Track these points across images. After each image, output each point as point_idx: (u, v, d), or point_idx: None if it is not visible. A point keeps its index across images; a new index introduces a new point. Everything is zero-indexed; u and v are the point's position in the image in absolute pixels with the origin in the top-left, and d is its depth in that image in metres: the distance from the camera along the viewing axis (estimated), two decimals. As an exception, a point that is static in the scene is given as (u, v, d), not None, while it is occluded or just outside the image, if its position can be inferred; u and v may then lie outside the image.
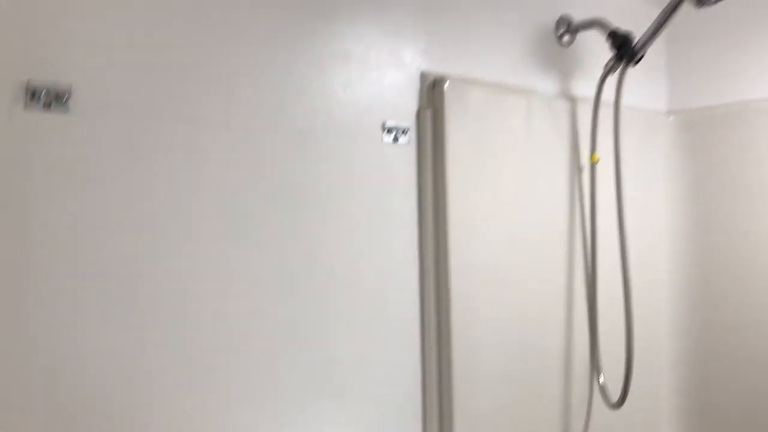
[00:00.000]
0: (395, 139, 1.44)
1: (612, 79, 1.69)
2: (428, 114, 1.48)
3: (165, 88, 1.16)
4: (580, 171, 1.75)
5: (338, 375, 1.36)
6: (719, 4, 1.46)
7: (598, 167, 1.73)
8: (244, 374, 1.24)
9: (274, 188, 1.28)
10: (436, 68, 1.51)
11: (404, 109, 1.46)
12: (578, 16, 1.76)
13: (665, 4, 1.50)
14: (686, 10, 1.46)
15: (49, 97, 1.03)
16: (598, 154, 1.73)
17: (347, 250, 1.37)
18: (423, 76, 1.49)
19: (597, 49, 1.75)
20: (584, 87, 1.78)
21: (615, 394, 1.69)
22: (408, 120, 1.47)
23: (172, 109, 1.16)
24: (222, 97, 1.22)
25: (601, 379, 1.74)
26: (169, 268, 1.15)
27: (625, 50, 1.59)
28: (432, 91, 1.49)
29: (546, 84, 1.73)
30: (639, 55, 1.60)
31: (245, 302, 1.24)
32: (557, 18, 1.74)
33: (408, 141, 1.47)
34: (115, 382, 1.10)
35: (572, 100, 1.75)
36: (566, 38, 1.76)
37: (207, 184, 1.20)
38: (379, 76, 1.42)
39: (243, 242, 1.24)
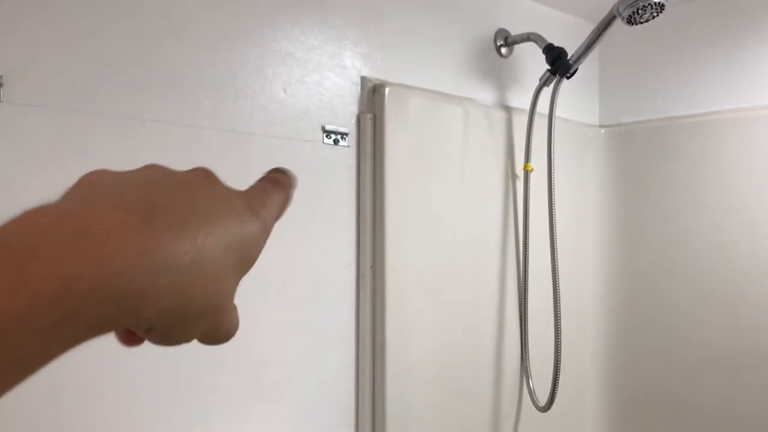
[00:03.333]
0: (335, 142, 1.45)
1: (547, 92, 1.74)
2: (368, 119, 1.50)
3: (102, 82, 1.13)
4: (514, 179, 1.80)
5: (271, 377, 1.35)
6: (649, 24, 1.52)
7: (532, 176, 1.78)
8: (173, 376, 1.22)
9: (211, 187, 1.26)
10: (377, 74, 1.53)
11: (344, 113, 1.47)
12: (517, 29, 1.81)
13: (599, 21, 1.56)
14: (618, 28, 1.52)
15: (-24, 87, 1.00)
16: (532, 163, 1.78)
17: (282, 252, 1.37)
18: (364, 81, 1.50)
19: (534, 62, 1.81)
20: (521, 98, 1.83)
21: (543, 398, 1.74)
22: (348, 124, 1.48)
23: (108, 104, 1.14)
24: (160, 94, 1.20)
25: (531, 384, 1.78)
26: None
27: (560, 64, 1.64)
28: (372, 97, 1.51)
29: (484, 94, 1.77)
30: (572, 69, 1.65)
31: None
32: (496, 30, 1.79)
33: (348, 144, 1.48)
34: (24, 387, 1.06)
35: (509, 110, 1.80)
36: (504, 50, 1.80)
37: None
38: (320, 79, 1.43)
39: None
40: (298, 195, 1.38)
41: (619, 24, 1.50)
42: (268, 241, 1.31)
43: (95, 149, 1.13)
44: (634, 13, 1.45)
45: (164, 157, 1.21)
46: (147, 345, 1.11)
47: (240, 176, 1.34)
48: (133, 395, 1.16)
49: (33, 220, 0.27)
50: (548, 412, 1.74)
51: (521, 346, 1.79)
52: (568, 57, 1.65)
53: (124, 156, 1.16)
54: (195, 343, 1.18)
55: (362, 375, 1.49)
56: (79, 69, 1.11)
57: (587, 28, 1.68)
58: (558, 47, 1.66)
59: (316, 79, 1.42)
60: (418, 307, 1.56)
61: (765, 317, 1.73)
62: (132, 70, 1.17)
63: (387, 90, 1.50)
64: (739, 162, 1.80)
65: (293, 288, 1.39)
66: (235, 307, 0.35)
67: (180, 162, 1.21)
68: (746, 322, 1.77)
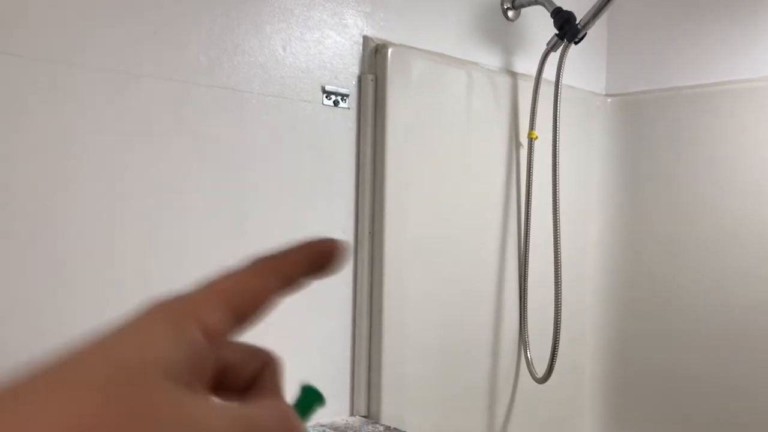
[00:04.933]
0: (335, 104, 1.41)
1: (554, 58, 1.69)
2: (370, 80, 1.45)
3: (94, 34, 1.09)
4: (518, 147, 1.76)
5: (265, 343, 1.32)
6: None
7: (536, 144, 1.74)
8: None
9: (203, 146, 1.23)
10: (379, 34, 1.48)
11: (345, 73, 1.43)
12: (524, -9, 1.75)
13: (609, -15, 1.51)
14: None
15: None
16: (537, 131, 1.74)
17: (279, 215, 1.33)
18: (366, 41, 1.46)
19: (542, 27, 1.75)
20: (527, 63, 1.78)
21: (541, 369, 1.72)
22: (349, 85, 1.43)
23: (100, 56, 1.10)
24: (155, 48, 1.16)
25: (529, 355, 1.76)
26: (90, 225, 1.10)
27: (568, 28, 1.59)
28: (374, 58, 1.46)
29: (489, 58, 1.72)
30: (581, 34, 1.60)
31: (167, 266, 1.19)
32: (503, -8, 1.74)
33: (349, 106, 1.43)
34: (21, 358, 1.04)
35: (514, 76, 1.75)
36: (512, 13, 1.75)
37: (127, 138, 1.14)
38: (321, 37, 1.38)
39: (167, 199, 1.18)
40: (296, 157, 1.33)
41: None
42: (264, 205, 1.28)
43: (86, 104, 1.09)
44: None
45: (158, 114, 1.17)
46: (131, 305, 1.06)
47: (235, 136, 1.30)
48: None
49: None
50: (546, 383, 1.72)
51: (520, 316, 1.77)
52: (577, 22, 1.60)
53: (116, 111, 1.12)
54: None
55: (358, 343, 1.46)
56: (70, 20, 1.07)
57: (597, -8, 1.62)
58: (566, 11, 1.61)
59: (317, 37, 1.38)
60: (416, 275, 1.53)
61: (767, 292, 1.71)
62: (126, 21, 1.13)
63: (390, 51, 1.45)
64: (748, 134, 1.76)
65: (290, 252, 1.35)
66: None
67: (173, 120, 1.17)
68: (748, 299, 1.74)
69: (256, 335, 1.20)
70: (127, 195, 1.13)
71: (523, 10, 1.76)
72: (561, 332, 1.68)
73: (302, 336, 1.38)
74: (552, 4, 1.64)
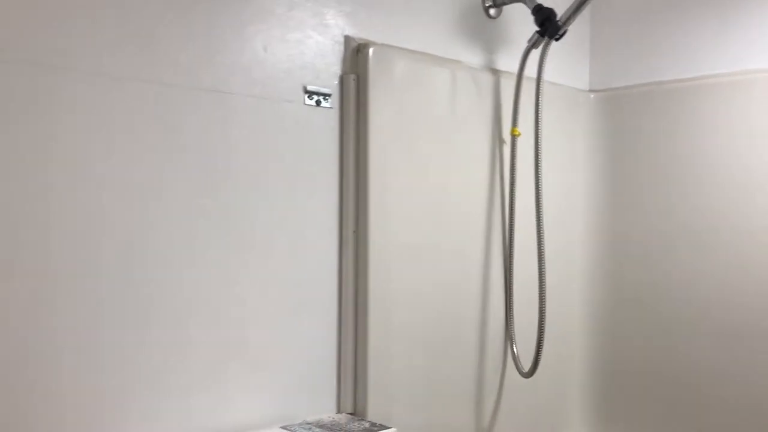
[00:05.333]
0: (317, 104, 1.42)
1: (536, 55, 1.70)
2: (352, 80, 1.46)
3: (71, 36, 1.09)
4: (501, 144, 1.77)
5: (251, 340, 1.33)
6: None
7: (519, 141, 1.76)
8: (153, 341, 1.20)
9: (185, 147, 1.23)
10: (361, 33, 1.49)
11: (327, 73, 1.44)
12: (506, -11, 1.76)
13: (589, -18, 1.53)
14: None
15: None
16: (520, 128, 1.75)
17: (263, 214, 1.34)
18: (347, 41, 1.46)
19: (523, 23, 1.76)
20: (509, 61, 1.79)
21: (527, 364, 1.73)
22: (331, 85, 1.44)
23: (78, 58, 1.10)
24: (134, 50, 1.16)
25: (515, 349, 1.78)
26: (74, 229, 1.10)
27: (549, 25, 1.60)
28: (356, 57, 1.47)
29: (471, 56, 1.73)
30: (561, 31, 1.62)
31: (152, 267, 1.19)
32: (485, -11, 1.75)
33: (331, 106, 1.44)
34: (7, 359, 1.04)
35: (496, 73, 1.76)
36: (493, 11, 1.76)
37: (109, 140, 1.14)
38: (302, 38, 1.39)
39: (149, 204, 1.19)
40: (279, 157, 1.34)
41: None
42: (248, 204, 1.27)
43: (64, 107, 1.09)
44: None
45: (139, 116, 1.17)
46: (116, 305, 1.07)
47: (217, 137, 1.31)
48: (103, 358, 1.14)
49: None
50: (533, 378, 1.74)
51: (506, 311, 1.79)
52: (558, 18, 1.61)
53: (95, 115, 1.12)
54: (168, 302, 1.15)
55: (344, 339, 1.48)
56: (49, 23, 1.07)
57: (578, -11, 1.63)
58: (547, 8, 1.62)
59: (298, 37, 1.38)
60: (401, 272, 1.54)
61: (754, 285, 1.73)
62: (105, 24, 1.13)
63: (371, 50, 1.46)
64: (730, 127, 1.77)
65: (275, 251, 1.37)
66: None
67: (155, 122, 1.17)
68: (733, 292, 1.76)
69: (242, 336, 1.22)
70: (110, 198, 1.14)
71: (505, 8, 1.77)
72: (546, 327, 1.69)
73: (288, 335, 1.39)
74: (533, 1, 1.65)
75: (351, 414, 1.47)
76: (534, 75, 1.70)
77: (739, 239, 1.75)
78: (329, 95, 1.43)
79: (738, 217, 1.75)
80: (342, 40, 1.46)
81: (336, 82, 1.45)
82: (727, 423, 1.77)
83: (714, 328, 1.79)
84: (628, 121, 1.97)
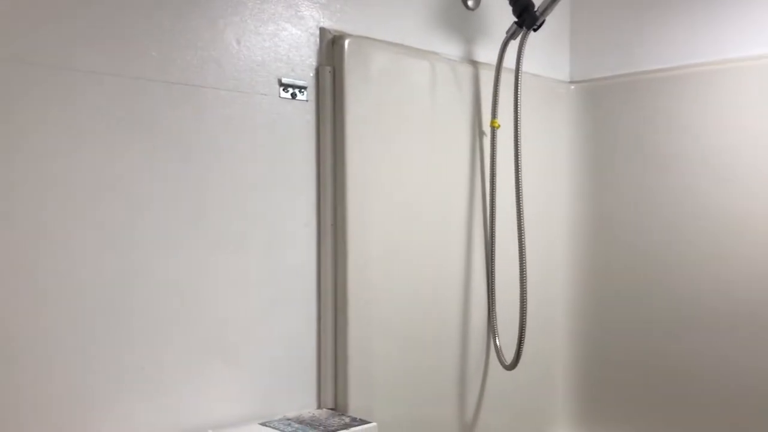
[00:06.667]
0: (293, 96, 1.40)
1: (515, 46, 1.69)
2: (327, 72, 1.45)
3: (39, 29, 1.07)
4: (481, 136, 1.76)
5: (229, 336, 1.32)
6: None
7: (500, 133, 1.75)
8: (128, 339, 1.18)
9: (157, 142, 1.22)
10: (336, 25, 1.47)
11: (302, 65, 1.42)
12: (484, -20, 1.76)
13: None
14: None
15: None
16: (501, 121, 1.74)
17: (238, 209, 1.33)
18: (322, 33, 1.45)
19: (502, 14, 1.75)
20: (489, 52, 1.78)
21: (510, 357, 1.73)
22: (306, 77, 1.43)
23: (46, 53, 1.08)
24: (104, 43, 1.15)
25: (498, 342, 1.77)
26: (43, 227, 1.09)
27: (526, 16, 1.60)
28: (332, 49, 1.46)
29: (450, 48, 1.72)
30: (539, 21, 1.61)
31: (126, 263, 1.18)
32: (463, -19, 1.74)
33: (307, 98, 1.43)
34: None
35: (476, 65, 1.75)
36: (471, 2, 1.75)
37: (78, 136, 1.12)
38: (276, 30, 1.37)
39: (123, 197, 1.17)
40: (254, 150, 1.32)
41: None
42: (223, 199, 1.26)
43: (31, 103, 1.07)
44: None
45: (110, 111, 1.15)
46: (90, 304, 1.06)
47: (191, 131, 1.29)
48: (78, 356, 1.13)
49: None
50: (516, 370, 1.73)
51: (488, 304, 1.78)
52: (535, 9, 1.61)
53: (65, 110, 1.10)
54: (143, 299, 1.13)
55: (324, 335, 1.46)
56: (16, 16, 1.05)
57: (555, -21, 1.63)
58: (525, -2, 1.61)
59: (272, 29, 1.37)
60: (381, 265, 1.53)
61: (735, 274, 1.73)
62: (74, 17, 1.11)
63: (347, 42, 1.45)
64: (711, 116, 1.77)
65: (251, 245, 1.35)
66: None
67: (126, 117, 1.15)
68: (716, 280, 1.76)
69: (219, 332, 1.20)
70: (81, 194, 1.12)
71: (483, -1, 1.77)
72: (529, 319, 1.69)
73: (266, 330, 1.38)
74: (510, -9, 1.64)
75: (332, 409, 1.46)
76: (513, 66, 1.69)
77: (721, 228, 1.75)
78: (305, 88, 1.42)
79: (720, 205, 1.75)
80: (317, 32, 1.44)
81: (312, 74, 1.44)
82: (712, 415, 1.77)
83: (698, 318, 1.79)
84: (609, 111, 1.97)
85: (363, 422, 1.37)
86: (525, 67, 1.71)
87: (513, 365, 1.71)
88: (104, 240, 1.15)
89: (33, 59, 1.07)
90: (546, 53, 1.99)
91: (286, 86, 1.39)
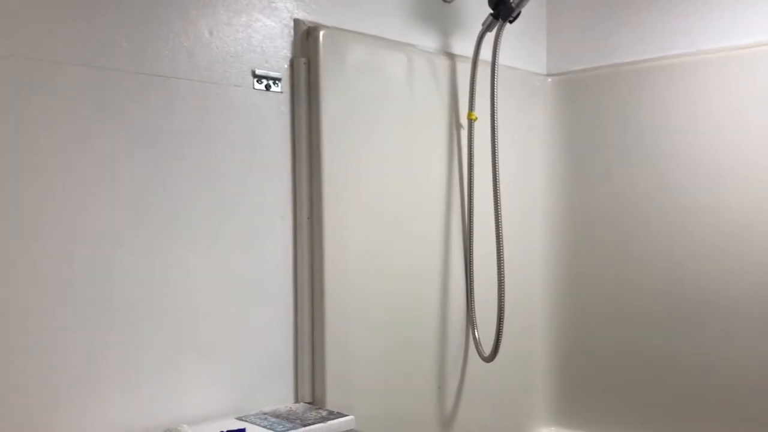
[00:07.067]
0: (267, 88, 1.39)
1: (491, 38, 1.69)
2: (302, 63, 1.43)
3: (5, 16, 1.05)
4: (459, 129, 1.76)
5: (204, 330, 1.31)
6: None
7: (477, 126, 1.75)
8: (101, 334, 1.17)
9: (129, 133, 1.20)
10: (310, 17, 1.46)
11: (276, 57, 1.41)
12: (460, -28, 1.75)
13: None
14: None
15: None
16: (478, 113, 1.74)
17: (212, 202, 1.31)
18: (297, 24, 1.44)
19: (479, 6, 1.75)
20: (465, 44, 1.78)
21: (489, 348, 1.73)
22: (281, 69, 1.42)
23: (13, 43, 1.06)
24: (73, 33, 1.13)
25: (476, 334, 1.77)
26: (11, 220, 1.07)
27: (502, 8, 1.60)
28: (306, 41, 1.45)
29: (427, 40, 1.72)
30: (515, 13, 1.61)
31: (97, 257, 1.16)
32: (439, -27, 1.73)
33: (281, 90, 1.42)
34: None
35: (452, 57, 1.75)
36: (448, -6, 1.75)
37: (47, 127, 1.11)
38: (249, 21, 1.36)
39: (93, 188, 1.16)
40: (228, 142, 1.31)
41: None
42: (197, 191, 1.24)
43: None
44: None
45: (79, 102, 1.14)
46: (60, 299, 1.03)
47: (163, 122, 1.28)
48: (56, 349, 1.11)
49: None
50: (495, 362, 1.74)
51: (467, 296, 1.78)
52: (511, 0, 1.61)
53: (32, 100, 1.08)
54: (115, 294, 1.11)
55: (301, 329, 1.45)
56: (-22, 5, 1.03)
57: (530, -29, 1.63)
58: (501, -10, 1.61)
59: (245, 20, 1.35)
60: (359, 259, 1.52)
61: (712, 266, 1.74)
62: (41, 6, 1.09)
63: (322, 34, 1.44)
64: (686, 107, 1.78)
65: (226, 239, 1.34)
66: None
67: (96, 108, 1.13)
68: (693, 272, 1.77)
69: (193, 327, 1.18)
70: (50, 188, 1.10)
71: (460, -9, 1.76)
72: (507, 311, 1.69)
73: (242, 324, 1.36)
74: (486, -17, 1.64)
75: (309, 403, 1.46)
76: (490, 58, 1.69)
77: (697, 220, 1.76)
78: (279, 80, 1.41)
79: (695, 197, 1.76)
80: (291, 23, 1.43)
81: (286, 66, 1.43)
82: (690, 405, 1.78)
83: (675, 310, 1.80)
84: (586, 104, 1.97)
85: (340, 415, 1.36)
86: (502, 59, 1.71)
87: (491, 357, 1.71)
88: (75, 231, 1.13)
89: (0, 50, 1.05)
90: (523, 46, 1.99)
91: (260, 78, 1.38)
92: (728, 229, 1.71)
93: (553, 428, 2.04)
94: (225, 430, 1.22)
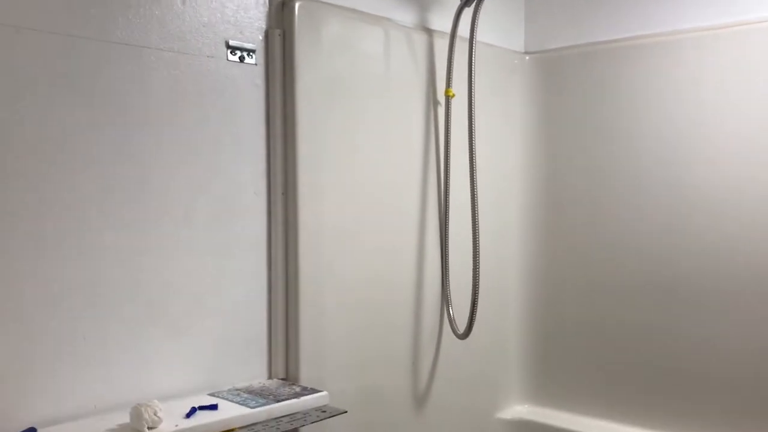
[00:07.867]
0: (241, 59, 1.36)
1: (469, 14, 1.67)
2: (277, 35, 1.41)
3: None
4: (436, 106, 1.75)
5: (176, 306, 1.29)
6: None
7: (455, 102, 1.73)
8: (69, 310, 1.14)
9: (96, 104, 1.17)
10: (286, -13, 1.43)
11: (251, 28, 1.38)
12: (438, -54, 1.73)
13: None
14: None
15: None
16: (455, 89, 1.73)
17: (185, 175, 1.29)
18: (271, -5, 1.41)
19: (456, -18, 1.73)
20: (443, 20, 1.76)
21: (463, 325, 1.73)
22: (255, 40, 1.39)
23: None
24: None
25: (451, 311, 1.77)
26: (-29, 186, 1.03)
27: (480, -18, 1.58)
28: (281, 12, 1.42)
29: (404, 14, 1.69)
30: (494, -12, 1.59)
31: (64, 230, 1.13)
32: (417, -54, 1.70)
33: (256, 62, 1.39)
34: None
35: (430, 33, 1.73)
36: (426, -32, 1.72)
37: (14, 95, 1.07)
38: (222, -10, 1.33)
39: (61, 162, 1.13)
40: (200, 113, 1.28)
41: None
42: (169, 165, 1.22)
43: (-40, 57, 1.01)
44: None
45: (42, 70, 1.10)
46: (27, 273, 1.01)
47: (133, 92, 1.24)
48: (21, 324, 1.08)
49: None
50: (469, 339, 1.74)
51: (442, 273, 1.78)
52: (490, -25, 1.59)
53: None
54: (83, 269, 1.08)
55: (274, 305, 1.44)
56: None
57: (510, -55, 1.61)
58: (479, -35, 1.59)
59: (218, -11, 1.32)
60: (333, 235, 1.51)
61: (688, 244, 1.75)
62: (2, -30, 1.05)
63: (297, 5, 1.41)
64: (664, 86, 1.78)
65: (199, 215, 1.32)
66: None
67: (61, 77, 1.10)
68: (669, 250, 1.78)
69: (163, 303, 1.16)
70: (14, 155, 1.07)
71: (438, -35, 1.74)
72: (482, 289, 1.69)
73: (215, 300, 1.35)
74: (464, -42, 1.62)
75: (283, 379, 1.45)
76: (468, 35, 1.68)
77: (672, 197, 1.77)
78: (253, 51, 1.38)
79: (672, 174, 1.77)
80: (266, -7, 1.40)
81: (261, 37, 1.40)
82: (662, 382, 1.81)
83: (650, 287, 1.81)
84: (564, 82, 1.97)
85: (314, 391, 1.35)
86: (480, 37, 1.69)
87: (466, 334, 1.72)
88: (42, 202, 1.10)
89: (-40, 13, 1.01)
90: (501, 24, 1.98)
91: (233, 49, 1.35)
92: (704, 207, 1.72)
93: (526, 405, 2.06)
94: (197, 405, 1.21)
